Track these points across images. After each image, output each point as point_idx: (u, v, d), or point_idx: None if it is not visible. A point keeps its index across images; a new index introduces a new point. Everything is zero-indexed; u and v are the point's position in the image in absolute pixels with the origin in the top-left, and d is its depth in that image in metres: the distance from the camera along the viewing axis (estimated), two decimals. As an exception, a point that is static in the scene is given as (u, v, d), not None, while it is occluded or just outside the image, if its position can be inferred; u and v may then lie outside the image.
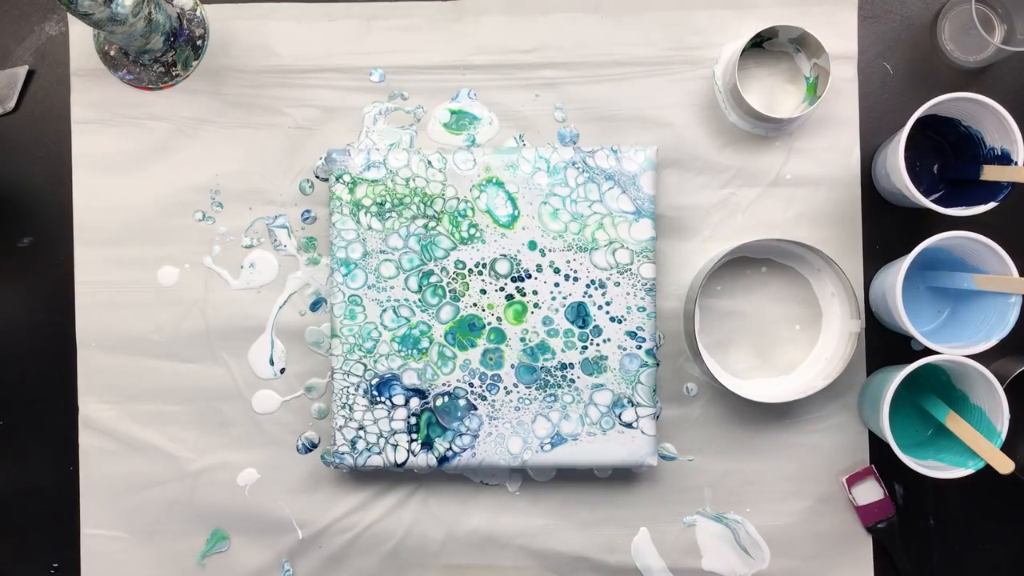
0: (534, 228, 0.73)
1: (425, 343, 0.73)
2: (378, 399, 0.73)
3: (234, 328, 0.77)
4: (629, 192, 0.73)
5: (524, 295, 0.73)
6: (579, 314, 0.73)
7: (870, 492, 0.75)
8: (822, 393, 0.72)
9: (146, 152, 0.77)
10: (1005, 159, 0.68)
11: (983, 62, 0.74)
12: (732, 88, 0.73)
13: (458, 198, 0.73)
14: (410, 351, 0.73)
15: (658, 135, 0.76)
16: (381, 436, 0.73)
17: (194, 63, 0.77)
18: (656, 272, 0.74)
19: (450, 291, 0.73)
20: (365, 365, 0.73)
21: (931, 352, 0.68)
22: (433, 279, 0.73)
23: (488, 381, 0.73)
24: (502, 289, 0.73)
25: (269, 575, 0.77)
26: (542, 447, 0.73)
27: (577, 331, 0.73)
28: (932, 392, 0.73)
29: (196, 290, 0.77)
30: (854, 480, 0.75)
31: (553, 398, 0.73)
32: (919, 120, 0.68)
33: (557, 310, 0.73)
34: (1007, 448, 0.67)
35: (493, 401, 0.73)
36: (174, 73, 0.77)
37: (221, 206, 0.77)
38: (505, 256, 0.73)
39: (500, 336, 0.73)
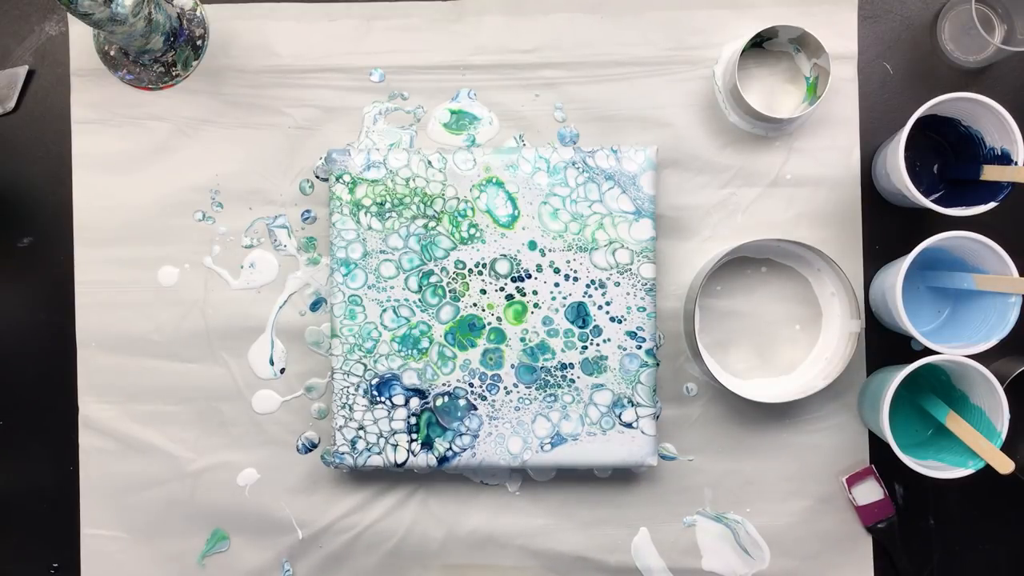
0: (534, 228, 0.73)
1: (425, 343, 0.73)
2: (378, 399, 0.73)
3: (234, 328, 0.77)
4: (629, 192, 0.73)
5: (524, 295, 0.73)
6: (579, 314, 0.73)
7: (870, 492, 0.75)
8: (822, 393, 0.72)
9: (146, 152, 0.77)
10: (1005, 159, 0.68)
11: (983, 62, 0.74)
12: (732, 88, 0.73)
13: (458, 198, 0.73)
14: (410, 351, 0.73)
15: (658, 135, 0.76)
16: (381, 436, 0.73)
17: (194, 63, 0.77)
18: (656, 272, 0.74)
19: (450, 291, 0.73)
20: (365, 365, 0.73)
21: (931, 352, 0.68)
22: (433, 279, 0.73)
23: (488, 381, 0.73)
24: (502, 289, 0.73)
25: (269, 575, 0.77)
26: (542, 447, 0.73)
27: (577, 331, 0.73)
28: (932, 392, 0.73)
29: (196, 290, 0.77)
30: (854, 480, 0.75)
31: (553, 398, 0.73)
32: (919, 120, 0.68)
33: (557, 310, 0.73)
34: (1007, 448, 0.67)
35: (493, 401, 0.73)
36: (174, 73, 0.77)
37: (221, 206, 0.77)
38: (505, 256, 0.73)
39: (500, 336, 0.73)
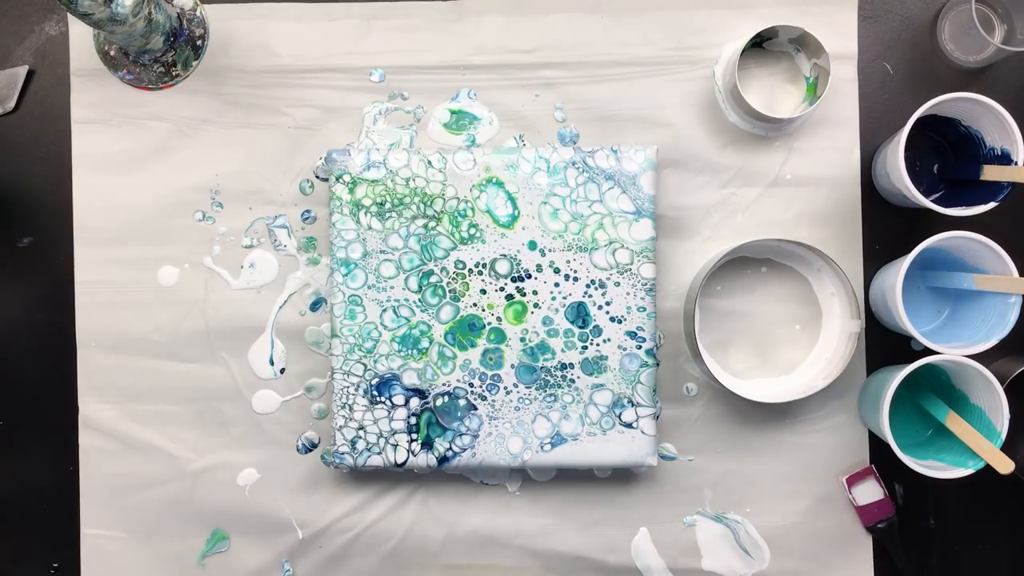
0: (534, 228, 0.73)
1: (425, 343, 0.73)
2: (378, 399, 0.73)
3: (234, 328, 0.77)
4: (629, 192, 0.73)
5: (524, 295, 0.73)
6: (579, 314, 0.73)
7: (870, 492, 0.75)
8: (822, 393, 0.72)
9: (146, 152, 0.77)
10: (1005, 159, 0.68)
11: (983, 62, 0.74)
12: (732, 88, 0.73)
13: (458, 198, 0.73)
14: (410, 351, 0.73)
15: (658, 135, 0.76)
16: (381, 436, 0.73)
17: (194, 63, 0.77)
18: (656, 272, 0.74)
19: (450, 291, 0.73)
20: (365, 365, 0.73)
21: (931, 352, 0.68)
22: (433, 279, 0.73)
23: (488, 381, 0.73)
24: (502, 289, 0.73)
25: (269, 575, 0.77)
26: (542, 447, 0.73)
27: (577, 331, 0.73)
28: (932, 392, 0.73)
29: (196, 290, 0.77)
30: (854, 480, 0.75)
31: (553, 398, 0.73)
32: (919, 120, 0.68)
33: (557, 310, 0.73)
34: (1007, 448, 0.67)
35: (493, 401, 0.73)
36: (174, 73, 0.77)
37: (221, 206, 0.77)
38: (505, 256, 0.73)
39: (500, 336, 0.73)
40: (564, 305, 0.73)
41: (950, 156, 0.75)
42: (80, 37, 0.78)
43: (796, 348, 0.76)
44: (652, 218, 0.73)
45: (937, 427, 0.73)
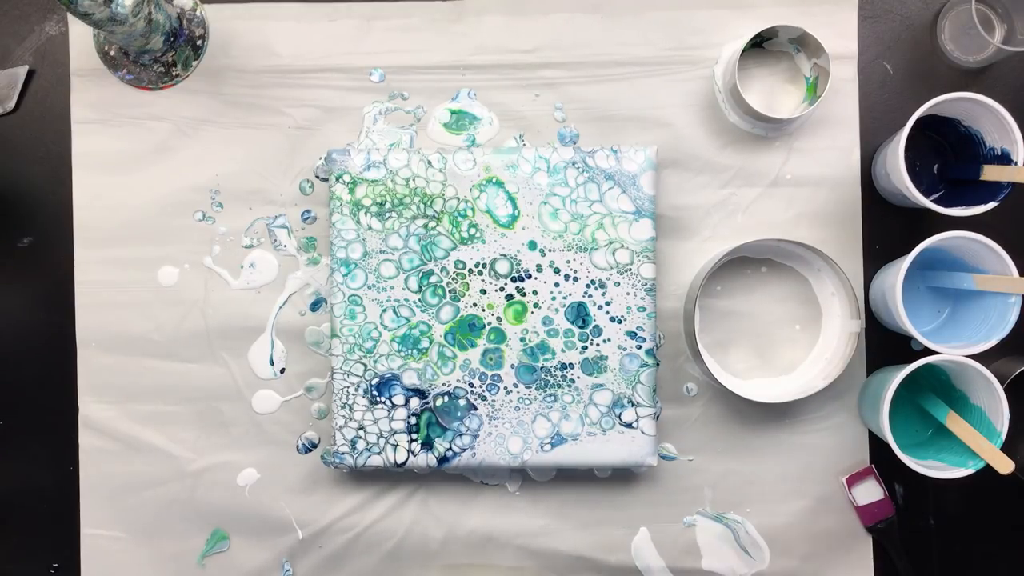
0: (534, 228, 0.73)
1: (425, 343, 0.73)
2: (378, 399, 0.73)
3: (234, 328, 0.77)
4: (629, 192, 0.73)
5: (524, 295, 0.73)
6: (579, 314, 0.73)
7: (870, 492, 0.75)
8: (822, 393, 0.72)
9: (146, 152, 0.77)
10: (1005, 159, 0.68)
11: (983, 62, 0.74)
12: (732, 88, 0.73)
13: (458, 198, 0.73)
14: (410, 351, 0.73)
15: (658, 135, 0.76)
16: (381, 436, 0.73)
17: (194, 63, 0.77)
18: (656, 272, 0.74)
19: (450, 291, 0.73)
20: (365, 365, 0.73)
21: (931, 352, 0.68)
22: (433, 279, 0.73)
23: (488, 381, 0.73)
24: (502, 289, 0.73)
25: (269, 575, 0.77)
26: (542, 447, 0.73)
27: (577, 331, 0.73)
28: (932, 392, 0.73)
29: (196, 290, 0.77)
30: (854, 480, 0.75)
31: (553, 398, 0.73)
32: (919, 120, 0.68)
33: (557, 310, 0.73)
34: (1007, 448, 0.67)
35: (493, 401, 0.73)
36: (174, 73, 0.77)
37: (221, 206, 0.77)
38: (505, 256, 0.73)
39: (500, 336, 0.73)
40: (564, 305, 0.73)
41: (950, 156, 0.75)
42: (80, 37, 0.78)
43: (796, 348, 0.76)
44: (652, 218, 0.73)
45: (937, 427, 0.73)
